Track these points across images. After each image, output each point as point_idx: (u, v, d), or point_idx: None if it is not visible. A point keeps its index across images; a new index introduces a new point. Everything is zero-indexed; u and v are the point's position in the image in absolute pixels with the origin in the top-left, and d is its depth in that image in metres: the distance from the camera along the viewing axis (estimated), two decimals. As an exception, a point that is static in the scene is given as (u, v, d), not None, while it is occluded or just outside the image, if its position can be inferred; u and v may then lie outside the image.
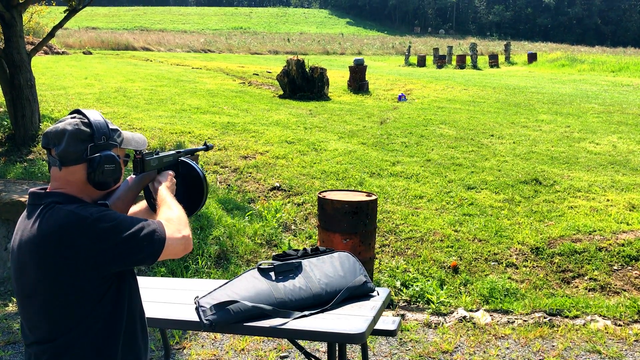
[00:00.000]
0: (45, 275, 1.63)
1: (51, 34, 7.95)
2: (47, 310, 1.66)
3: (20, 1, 7.29)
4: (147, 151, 2.01)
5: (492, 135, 9.42)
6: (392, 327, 2.89)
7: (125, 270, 1.75)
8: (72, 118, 1.75)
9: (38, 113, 7.74)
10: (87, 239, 1.60)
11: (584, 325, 4.17)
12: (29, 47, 7.86)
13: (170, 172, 2.06)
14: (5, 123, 8.05)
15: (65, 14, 7.70)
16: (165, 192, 1.95)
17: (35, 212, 1.68)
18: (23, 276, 1.68)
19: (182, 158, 2.18)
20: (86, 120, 1.74)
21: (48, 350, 1.67)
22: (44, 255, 1.62)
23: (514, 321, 4.24)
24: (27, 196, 1.77)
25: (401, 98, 13.68)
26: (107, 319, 1.69)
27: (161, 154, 2.08)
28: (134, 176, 1.99)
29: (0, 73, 7.33)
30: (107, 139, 1.75)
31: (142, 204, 2.12)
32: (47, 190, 1.74)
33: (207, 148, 2.39)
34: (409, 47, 36.47)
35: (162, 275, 4.65)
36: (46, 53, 21.34)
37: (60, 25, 7.92)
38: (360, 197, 4.36)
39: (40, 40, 8.60)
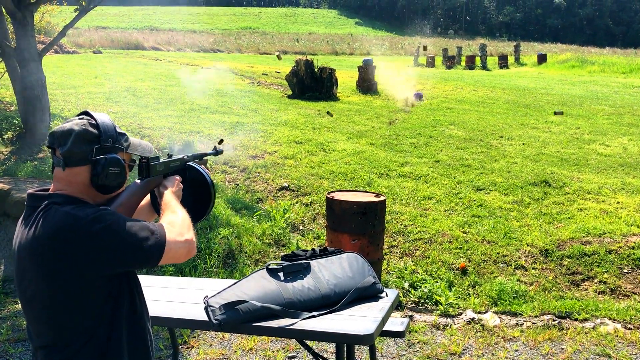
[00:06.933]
0: (45, 279, 1.59)
1: (62, 34, 8.00)
2: (49, 315, 1.62)
3: (32, 1, 7.34)
4: (152, 155, 1.95)
5: (502, 137, 9.38)
6: (400, 328, 2.89)
7: (126, 272, 1.71)
8: (80, 119, 1.71)
9: (49, 112, 7.79)
10: (83, 240, 1.56)
11: (593, 328, 4.14)
12: (40, 47, 7.91)
13: (177, 177, 2.00)
14: (16, 122, 8.11)
15: (76, 14, 7.74)
16: (170, 196, 1.90)
17: (33, 215, 1.64)
18: (24, 280, 1.64)
19: (189, 163, 2.12)
20: (94, 122, 1.71)
21: (55, 356, 1.65)
22: (42, 259, 1.58)
23: (523, 323, 4.22)
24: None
25: (418, 97, 13.58)
26: (109, 322, 1.65)
27: (167, 159, 2.02)
28: (138, 181, 1.93)
29: (11, 72, 7.39)
30: (113, 141, 1.71)
31: (144, 200, 2.04)
32: (49, 192, 1.69)
33: (217, 153, 2.30)
34: (418, 47, 36.38)
35: (170, 274, 4.67)
36: (57, 52, 21.48)
37: (71, 24, 7.97)
38: (369, 197, 4.35)
39: (51, 39, 8.65)
